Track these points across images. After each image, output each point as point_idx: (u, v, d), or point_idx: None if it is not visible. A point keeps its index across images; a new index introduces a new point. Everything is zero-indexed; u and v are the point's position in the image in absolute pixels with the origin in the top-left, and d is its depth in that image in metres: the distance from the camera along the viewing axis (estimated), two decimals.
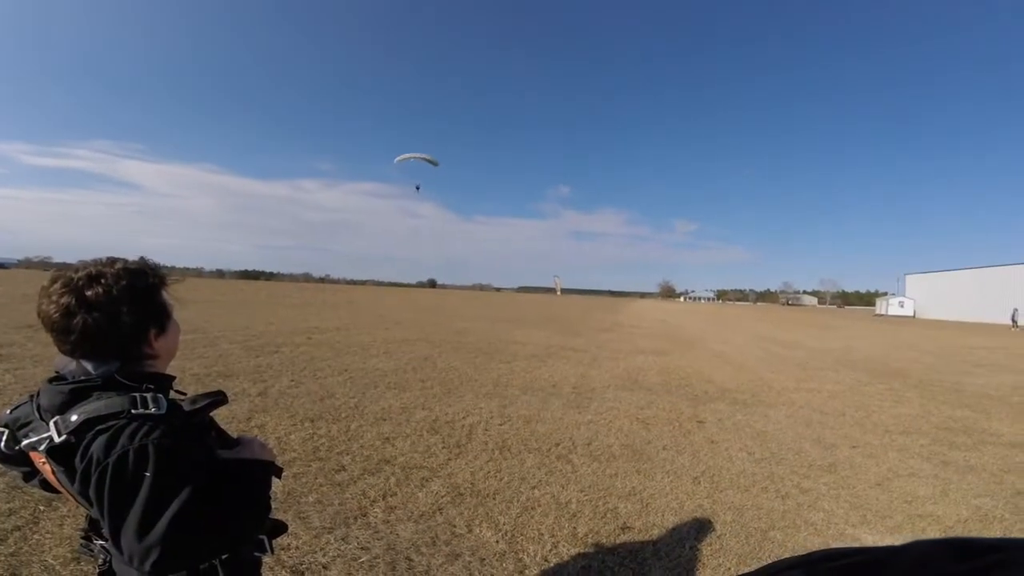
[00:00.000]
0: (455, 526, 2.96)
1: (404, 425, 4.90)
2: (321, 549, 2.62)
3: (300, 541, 2.67)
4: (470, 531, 2.92)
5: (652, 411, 6.14)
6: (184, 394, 1.14)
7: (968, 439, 5.36)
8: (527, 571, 2.54)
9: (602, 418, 5.67)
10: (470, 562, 2.60)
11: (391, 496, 3.31)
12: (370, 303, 31.66)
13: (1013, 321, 35.23)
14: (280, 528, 1.30)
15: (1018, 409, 6.99)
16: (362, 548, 2.66)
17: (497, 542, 2.81)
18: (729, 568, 2.63)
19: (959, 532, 3.17)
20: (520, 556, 2.67)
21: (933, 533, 3.09)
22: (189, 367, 6.88)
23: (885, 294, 64.15)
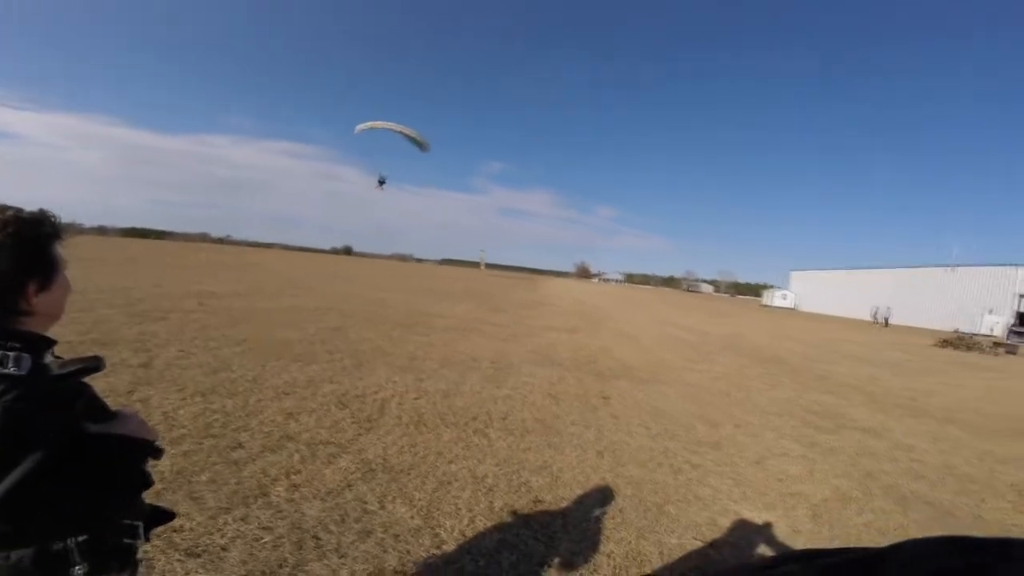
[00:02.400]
0: (366, 503, 2.92)
1: (309, 400, 4.71)
2: (219, 530, 2.48)
3: (194, 523, 2.50)
4: (383, 507, 2.89)
5: (563, 387, 6.43)
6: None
7: (831, 423, 6.11)
8: (444, 546, 2.57)
9: (518, 393, 5.84)
10: (383, 539, 2.58)
11: (295, 474, 3.18)
12: (277, 267, 29.78)
13: (874, 318, 40.80)
14: (163, 516, 1.21)
15: (872, 398, 8.09)
16: (264, 528, 2.55)
17: (412, 518, 2.81)
18: (630, 541, 2.83)
19: (822, 510, 3.55)
20: (437, 531, 2.70)
21: (802, 511, 3.49)
22: (60, 333, 6.02)
23: (771, 287, 71.66)
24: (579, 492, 3.40)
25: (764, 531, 3.11)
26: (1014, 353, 20.98)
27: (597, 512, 3.15)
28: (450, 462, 3.64)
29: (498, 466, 3.67)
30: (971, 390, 9.85)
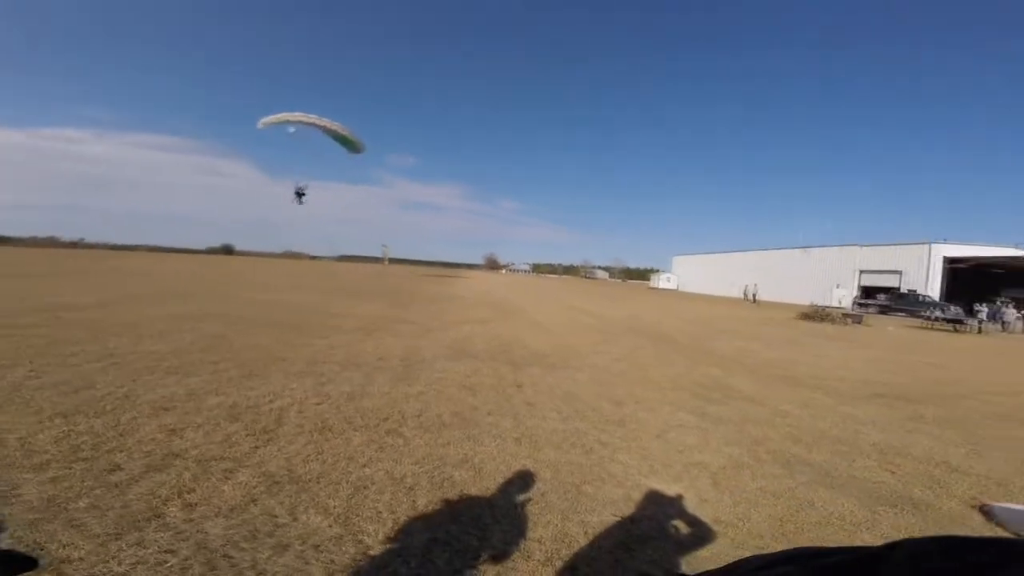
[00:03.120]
0: (276, 516, 2.75)
1: (194, 414, 4.31)
2: (114, 557, 2.24)
3: (83, 552, 2.25)
4: (295, 519, 2.73)
5: (478, 378, 6.48)
6: None
7: (719, 394, 6.73)
8: (371, 552, 2.49)
9: (432, 388, 5.78)
10: (303, 551, 2.45)
11: (189, 492, 2.93)
12: (144, 271, 26.53)
13: (745, 295, 45.74)
14: (21, 563, 1.00)
15: (750, 368, 9.07)
16: (166, 551, 2.33)
17: (330, 526, 2.68)
18: (556, 524, 2.92)
19: (721, 478, 3.88)
20: (360, 537, 2.60)
21: (704, 480, 3.80)
22: None
23: (658, 271, 77.93)
24: (503, 481, 3.45)
25: (675, 503, 3.35)
26: (860, 323, 24.63)
27: (522, 498, 3.22)
28: (364, 466, 3.52)
29: (417, 464, 3.61)
30: (829, 359, 11.39)
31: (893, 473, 4.15)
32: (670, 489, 3.54)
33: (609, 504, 3.24)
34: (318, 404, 4.87)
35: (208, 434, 3.90)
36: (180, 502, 2.81)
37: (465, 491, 3.25)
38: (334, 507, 2.91)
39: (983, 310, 27.84)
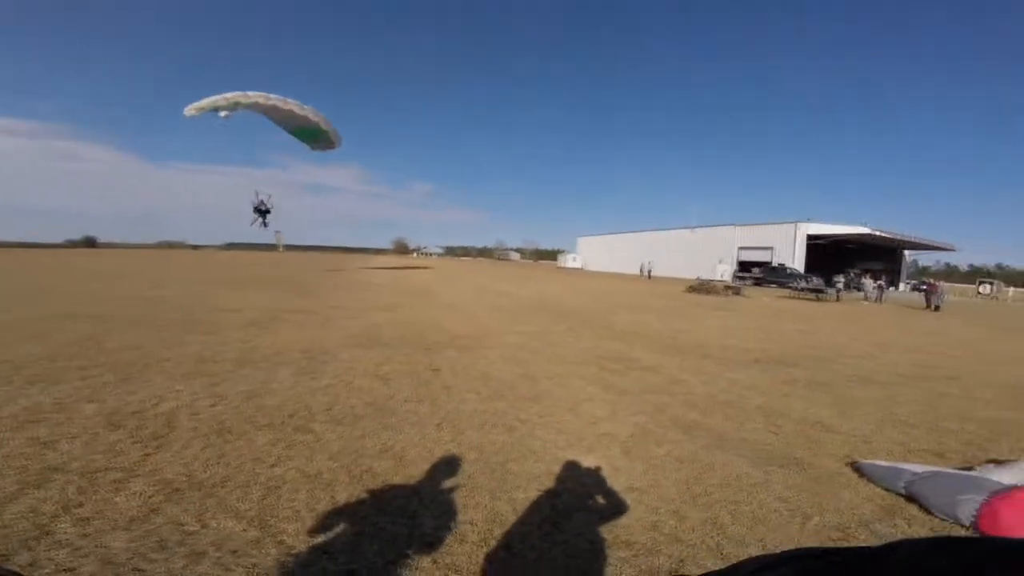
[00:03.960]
0: (183, 524, 2.60)
1: (67, 424, 3.89)
2: None
3: None
4: (205, 526, 2.59)
5: (391, 366, 6.39)
6: None
7: (622, 366, 7.20)
8: (295, 551, 2.43)
9: (340, 380, 5.60)
10: (220, 557, 2.34)
11: (78, 507, 2.68)
12: None
13: (641, 272, 48.89)
14: None
15: (647, 340, 9.76)
16: (66, 571, 2.16)
17: (245, 530, 2.58)
18: (486, 504, 3.02)
19: (630, 446, 4.17)
20: (280, 538, 2.52)
21: (615, 450, 4.05)
22: None
23: (565, 251, 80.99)
24: (427, 467, 3.47)
25: (593, 474, 3.57)
26: (738, 294, 27.39)
27: (449, 483, 3.27)
28: (273, 466, 3.38)
29: (333, 459, 3.53)
30: (714, 328, 12.56)
31: (776, 434, 4.66)
32: (586, 460, 3.76)
33: (533, 480, 3.38)
34: (212, 406, 4.55)
35: (88, 444, 3.53)
36: (70, 518, 2.58)
37: (388, 481, 3.24)
38: (246, 510, 2.78)
39: (840, 281, 32.11)
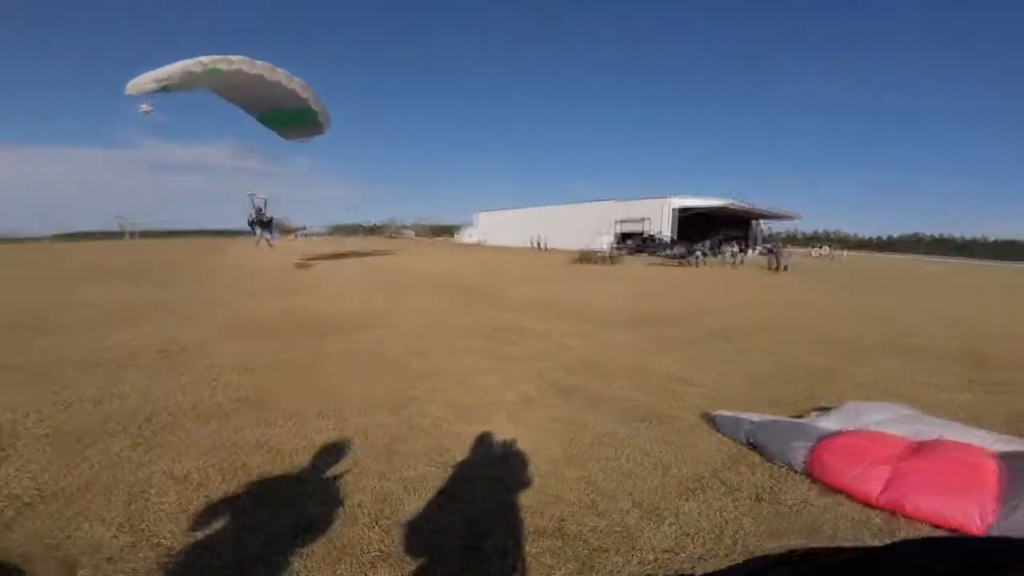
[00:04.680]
0: (46, 536, 2.45)
1: None
2: None
3: None
4: (70, 537, 2.45)
5: (267, 356, 6.09)
6: None
7: (513, 336, 7.51)
8: (174, 551, 2.38)
9: (206, 377, 5.22)
10: (98, 564, 2.25)
11: None
12: None
13: (535, 245, 50.77)
14: None
15: (538, 309, 10.24)
16: None
17: (116, 537, 2.46)
18: (375, 486, 3.06)
19: (515, 412, 4.41)
20: (157, 540, 2.44)
21: (502, 417, 4.26)
22: None
23: (463, 227, 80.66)
24: (309, 457, 3.44)
25: (481, 442, 3.75)
26: (616, 261, 29.65)
27: (334, 469, 3.27)
28: (136, 470, 3.18)
29: (203, 458, 3.37)
30: (596, 294, 13.48)
31: (642, 391, 5.15)
32: (474, 431, 3.93)
33: (423, 456, 3.49)
34: (58, 413, 4.10)
35: None
36: None
37: (267, 474, 3.18)
38: (113, 517, 2.63)
39: (703, 247, 35.73)
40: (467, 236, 73.11)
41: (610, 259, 30.00)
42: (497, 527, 2.68)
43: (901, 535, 2.70)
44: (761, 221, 56.87)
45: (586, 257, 29.32)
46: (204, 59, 10.82)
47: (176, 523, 2.61)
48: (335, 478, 3.16)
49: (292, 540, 2.50)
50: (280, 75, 11.92)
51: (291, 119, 13.87)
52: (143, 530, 2.54)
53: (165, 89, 10.87)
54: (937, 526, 2.76)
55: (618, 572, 2.39)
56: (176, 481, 3.05)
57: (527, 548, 2.53)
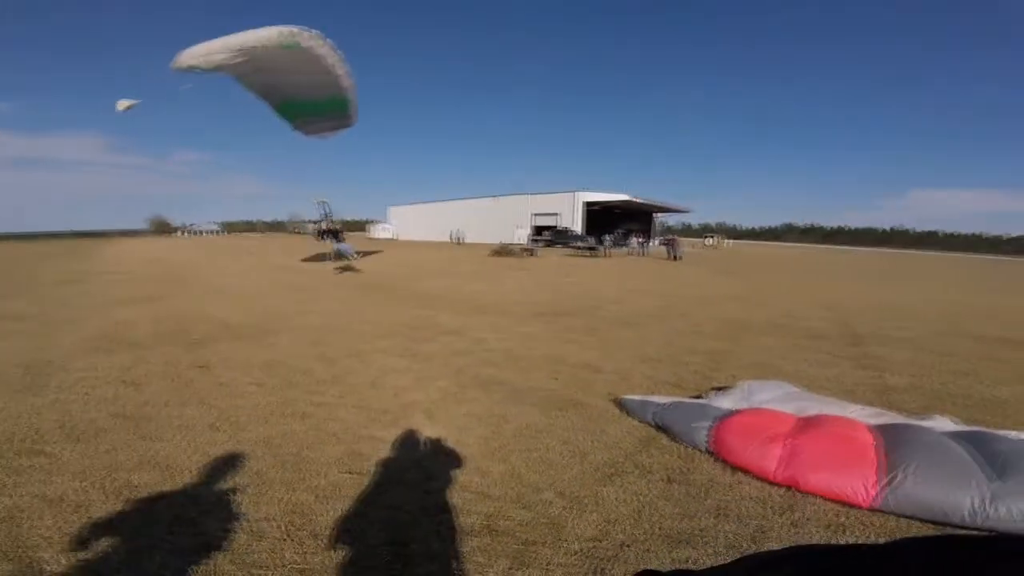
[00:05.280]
0: None
1: None
2: None
3: None
4: None
5: (143, 368, 5.44)
6: None
7: (427, 333, 7.34)
8: (51, 569, 2.18)
9: (73, 394, 4.62)
10: None
11: None
12: None
13: (452, 239, 50.14)
14: None
15: (453, 303, 10.13)
16: None
17: None
18: (283, 498, 2.88)
19: (434, 411, 4.31)
20: (39, 567, 2.26)
21: (419, 417, 4.16)
22: None
23: (375, 221, 77.39)
24: (205, 471, 3.16)
25: (400, 444, 3.63)
26: (533, 255, 30.07)
27: (235, 482, 3.03)
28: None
29: (79, 479, 3.02)
30: (511, 287, 13.59)
31: (557, 379, 5.28)
32: (390, 433, 3.81)
33: (335, 463, 3.32)
34: None
35: None
36: None
37: (158, 492, 2.90)
38: None
39: (609, 239, 37.36)
40: (380, 231, 70.54)
41: (526, 252, 30.42)
42: (422, 530, 2.62)
43: (799, 510, 2.94)
44: (659, 214, 60.53)
45: (503, 250, 29.47)
46: (283, 29, 8.93)
47: (57, 547, 2.38)
48: (236, 491, 2.93)
49: (194, 558, 2.31)
50: (337, 58, 10.16)
51: (323, 110, 11.81)
52: (22, 556, 2.33)
53: (218, 69, 8.89)
54: (829, 499, 3.01)
55: (549, 564, 2.41)
56: (50, 504, 2.73)
57: (456, 548, 2.49)
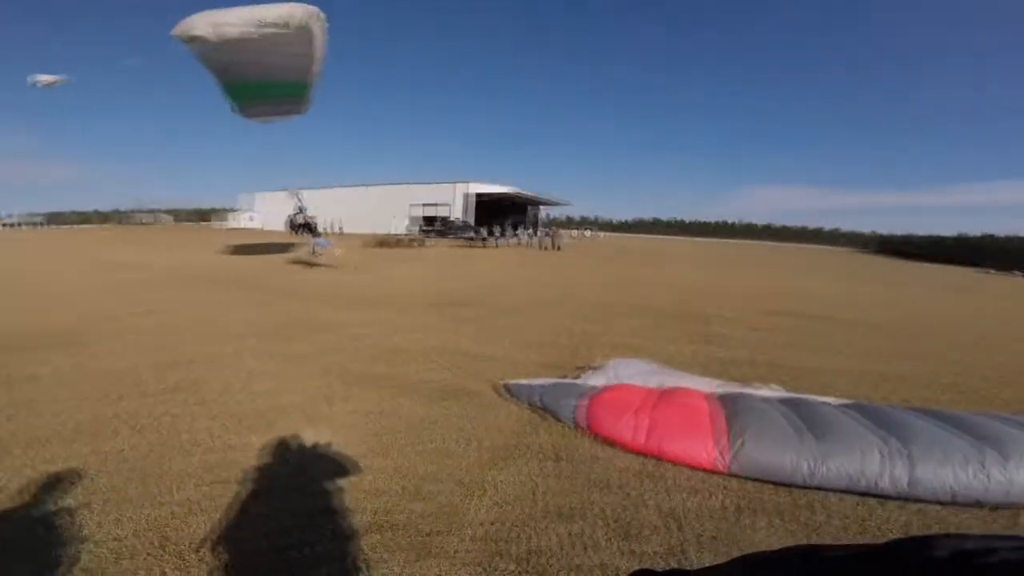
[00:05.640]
0: None
1: None
2: None
3: None
4: None
5: None
6: None
7: (300, 331, 6.89)
8: None
9: None
10: None
11: None
12: None
13: (338, 229, 47.51)
14: None
15: (329, 298, 9.62)
16: None
17: None
18: (132, 517, 2.63)
19: (308, 412, 4.09)
20: None
21: (296, 418, 3.93)
22: None
23: (235, 209, 69.91)
24: (41, 492, 2.81)
25: (275, 450, 3.43)
26: (423, 245, 29.66)
27: (81, 501, 2.74)
28: None
29: None
30: (400, 278, 13.38)
31: (449, 370, 5.32)
32: (264, 439, 3.58)
33: (204, 473, 3.08)
34: None
35: None
36: None
37: None
38: None
39: (498, 230, 38.03)
40: (245, 220, 63.95)
41: (415, 242, 29.87)
42: (311, 534, 2.53)
43: (669, 477, 3.26)
44: (543, 207, 62.84)
45: (387, 241, 28.59)
46: (308, 8, 8.52)
47: None
48: (70, 513, 2.63)
49: None
50: (325, 44, 9.67)
51: (279, 93, 11.06)
52: None
53: (225, 43, 8.29)
54: (688, 466, 3.36)
55: (450, 552, 2.44)
56: None
57: (351, 548, 2.45)
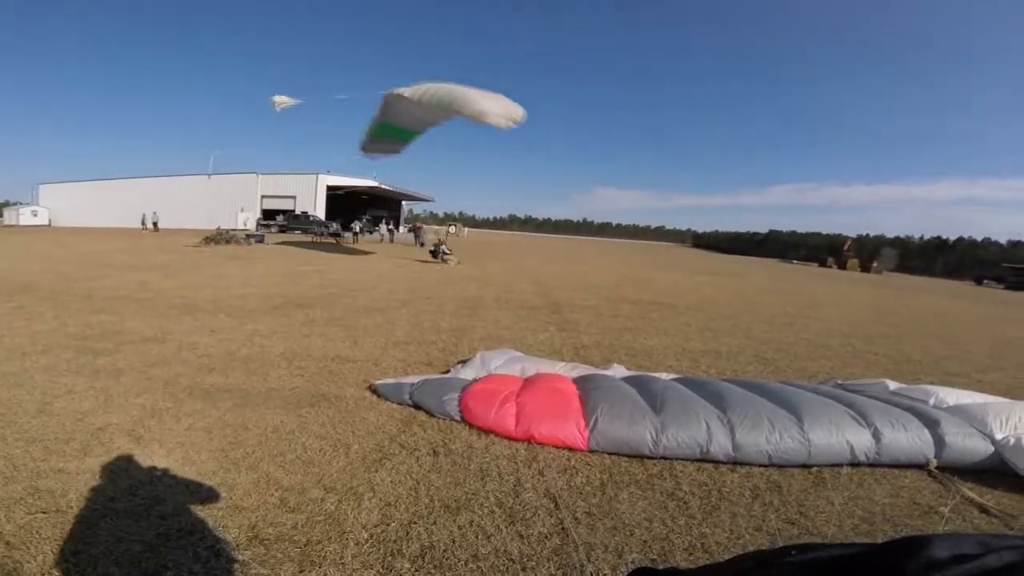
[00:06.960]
0: None
1: None
2: None
3: None
4: None
5: None
6: None
7: (110, 343, 5.84)
8: None
9: None
10: None
11: None
12: None
13: (144, 224, 40.52)
14: None
15: (146, 305, 8.27)
16: None
17: None
18: None
19: (141, 432, 3.57)
20: None
21: (122, 441, 3.46)
22: None
23: (15, 204, 56.31)
24: None
25: (100, 473, 2.98)
26: (262, 241, 26.88)
27: None
28: None
29: None
30: (231, 279, 11.99)
31: (303, 376, 4.97)
32: (84, 464, 3.09)
33: (16, 504, 2.62)
34: None
35: None
36: None
37: None
38: None
39: (357, 225, 36.18)
40: (28, 216, 51.64)
41: (251, 239, 26.90)
42: (171, 557, 2.28)
43: (541, 460, 3.42)
44: (406, 202, 61.64)
45: (221, 237, 25.22)
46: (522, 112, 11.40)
47: None
48: None
49: None
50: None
51: (402, 136, 14.13)
52: None
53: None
54: (557, 446, 3.57)
55: (339, 559, 2.34)
56: None
57: (225, 566, 2.23)
